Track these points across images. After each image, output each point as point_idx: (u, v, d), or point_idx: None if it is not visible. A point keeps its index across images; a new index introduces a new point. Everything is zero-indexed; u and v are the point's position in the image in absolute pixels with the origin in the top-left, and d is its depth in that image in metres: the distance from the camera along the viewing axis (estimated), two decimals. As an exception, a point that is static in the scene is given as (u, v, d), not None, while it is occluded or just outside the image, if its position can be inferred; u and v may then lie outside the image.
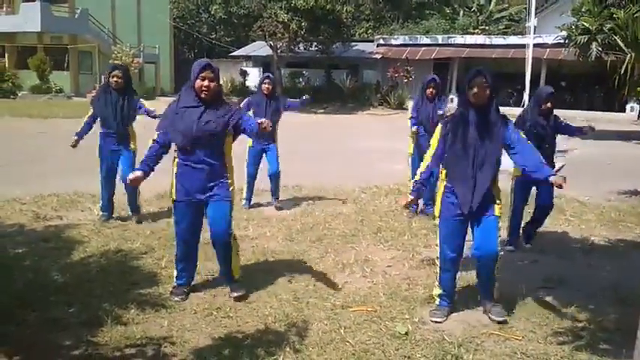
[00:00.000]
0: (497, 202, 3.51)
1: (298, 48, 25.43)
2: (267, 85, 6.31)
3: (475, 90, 3.36)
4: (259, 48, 28.77)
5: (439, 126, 3.60)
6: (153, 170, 3.70)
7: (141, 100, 5.64)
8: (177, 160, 3.68)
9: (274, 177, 6.47)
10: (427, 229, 5.68)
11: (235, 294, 3.78)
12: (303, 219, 5.95)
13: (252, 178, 6.50)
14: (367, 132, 15.39)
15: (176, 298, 3.74)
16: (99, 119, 5.55)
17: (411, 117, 6.33)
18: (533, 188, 5.18)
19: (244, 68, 28.31)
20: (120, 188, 5.70)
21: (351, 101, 24.84)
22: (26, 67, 25.72)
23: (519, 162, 3.52)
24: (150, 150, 3.68)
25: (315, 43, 25.05)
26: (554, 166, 5.12)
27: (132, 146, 5.59)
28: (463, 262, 3.90)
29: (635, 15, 10.68)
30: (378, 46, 27.16)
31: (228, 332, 3.28)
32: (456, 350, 3.09)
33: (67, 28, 26.87)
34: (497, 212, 3.50)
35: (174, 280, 3.89)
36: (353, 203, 6.83)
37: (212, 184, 3.65)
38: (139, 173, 3.62)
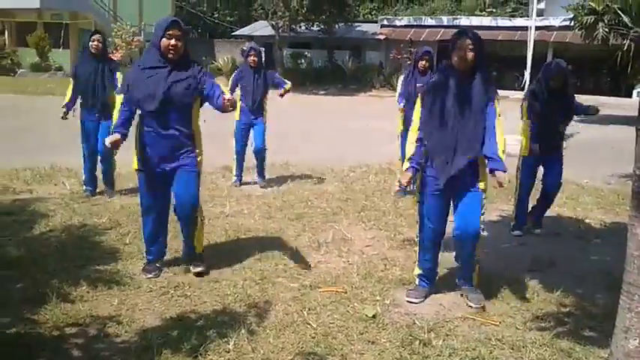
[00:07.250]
0: (482, 176, 3.20)
1: (300, 27, 24.93)
2: (252, 58, 6.04)
3: (459, 53, 3.05)
4: (261, 28, 28.26)
5: (419, 96, 3.32)
6: (127, 135, 3.47)
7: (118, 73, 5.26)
8: (141, 126, 3.43)
9: (259, 154, 6.15)
10: (414, 208, 5.40)
11: (197, 269, 3.56)
12: (285, 197, 5.68)
13: (240, 154, 6.18)
14: (367, 113, 15.02)
15: (149, 275, 3.51)
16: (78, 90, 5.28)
17: (399, 93, 5.89)
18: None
19: (245, 48, 27.82)
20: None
21: (353, 83, 24.36)
22: (25, 44, 25.35)
23: None
24: (121, 114, 3.45)
25: (317, 24, 24.55)
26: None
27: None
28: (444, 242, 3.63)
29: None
30: (381, 27, 26.58)
31: (182, 312, 3.04)
32: (425, 335, 2.83)
33: (66, 4, 26.43)
34: (481, 186, 3.20)
35: (145, 256, 3.66)
36: (340, 181, 6.55)
37: (179, 152, 3.41)
38: (117, 136, 3.36)
